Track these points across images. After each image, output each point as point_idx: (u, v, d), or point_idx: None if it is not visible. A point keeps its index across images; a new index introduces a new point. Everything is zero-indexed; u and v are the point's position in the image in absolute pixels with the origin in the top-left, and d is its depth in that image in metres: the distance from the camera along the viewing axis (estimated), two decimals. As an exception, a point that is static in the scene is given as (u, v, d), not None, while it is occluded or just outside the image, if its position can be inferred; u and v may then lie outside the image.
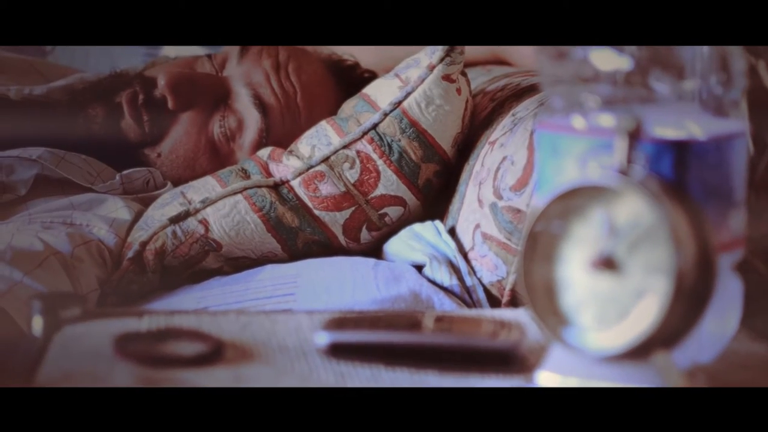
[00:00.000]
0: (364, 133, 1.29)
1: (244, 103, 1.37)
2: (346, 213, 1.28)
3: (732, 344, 0.77)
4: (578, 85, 0.75)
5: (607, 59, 0.74)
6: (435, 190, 1.33)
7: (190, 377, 0.74)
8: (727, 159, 0.74)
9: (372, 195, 1.29)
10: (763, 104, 0.89)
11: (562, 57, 0.75)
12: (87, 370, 0.75)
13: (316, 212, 1.28)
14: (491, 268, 1.20)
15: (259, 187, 1.28)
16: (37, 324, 0.81)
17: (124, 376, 0.73)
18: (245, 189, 1.28)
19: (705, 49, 0.74)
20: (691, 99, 0.74)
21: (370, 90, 1.36)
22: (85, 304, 0.84)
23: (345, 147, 1.29)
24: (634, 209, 0.70)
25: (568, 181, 0.72)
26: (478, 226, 1.23)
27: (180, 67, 1.42)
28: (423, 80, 1.30)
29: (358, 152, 1.29)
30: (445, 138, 1.31)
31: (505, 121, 1.28)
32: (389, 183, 1.29)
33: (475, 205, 1.25)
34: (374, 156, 1.29)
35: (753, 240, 0.77)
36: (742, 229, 0.75)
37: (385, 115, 1.30)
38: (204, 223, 1.27)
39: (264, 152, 1.35)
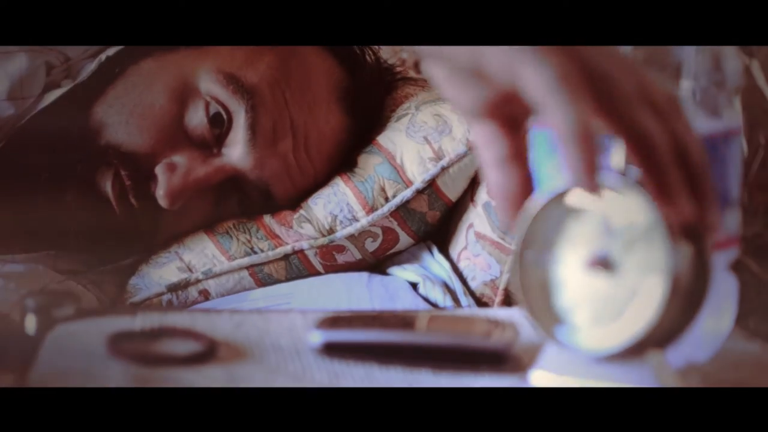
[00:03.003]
0: (392, 210, 1.24)
1: (254, 194, 1.24)
2: (353, 270, 1.26)
3: (726, 343, 0.77)
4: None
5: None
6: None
7: (184, 376, 0.74)
8: (722, 158, 0.74)
9: (383, 255, 1.26)
10: (756, 104, 0.89)
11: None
12: (80, 369, 0.74)
13: (323, 271, 1.26)
14: (484, 267, 1.20)
15: (268, 263, 1.24)
16: (31, 322, 0.81)
17: (118, 375, 0.73)
18: (252, 265, 1.24)
19: (699, 48, 0.74)
20: (686, 99, 0.74)
21: (389, 144, 1.27)
22: (78, 303, 0.83)
23: (372, 224, 1.24)
24: (630, 209, 0.70)
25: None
26: (471, 225, 1.23)
27: (165, 131, 1.21)
28: (461, 158, 1.24)
29: (382, 227, 1.25)
30: (459, 194, 1.27)
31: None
32: (403, 245, 1.26)
33: (468, 204, 1.25)
34: (397, 228, 1.25)
35: (746, 239, 0.77)
36: (737, 228, 0.76)
37: (418, 192, 1.24)
38: (204, 293, 1.23)
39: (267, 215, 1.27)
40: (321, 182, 1.27)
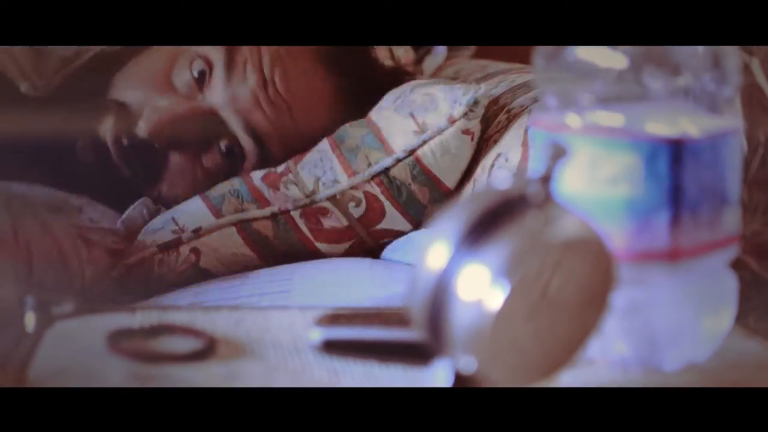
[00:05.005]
0: (374, 176, 1.27)
1: (238, 132, 1.32)
2: (347, 244, 1.27)
3: (726, 342, 0.77)
4: (572, 82, 0.75)
5: (602, 56, 0.74)
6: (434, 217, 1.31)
7: (183, 373, 0.74)
8: (722, 157, 0.74)
9: (374, 228, 1.27)
10: (756, 101, 0.89)
11: (556, 55, 0.75)
12: (79, 367, 0.75)
13: (317, 244, 1.26)
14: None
15: (256, 219, 1.26)
16: (30, 320, 0.81)
17: (117, 372, 0.73)
18: (240, 221, 1.26)
19: (699, 46, 0.74)
20: (685, 96, 0.74)
21: (379, 120, 1.31)
22: (78, 300, 0.84)
23: (353, 187, 1.26)
24: None
25: None
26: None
27: (156, 84, 1.34)
28: (442, 131, 1.26)
29: (365, 193, 1.26)
30: (454, 179, 1.29)
31: (500, 118, 1.28)
32: (393, 220, 1.27)
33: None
34: (382, 197, 1.26)
35: (746, 237, 0.77)
36: (737, 227, 0.76)
37: (398, 160, 1.26)
38: (195, 253, 1.24)
39: (256, 174, 1.30)
40: (306, 131, 1.32)
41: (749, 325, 0.82)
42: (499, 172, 1.20)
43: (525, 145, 1.19)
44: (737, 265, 0.76)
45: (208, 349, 0.77)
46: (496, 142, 1.25)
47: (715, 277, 0.76)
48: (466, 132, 1.26)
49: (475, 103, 1.26)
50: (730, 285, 0.76)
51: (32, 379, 0.72)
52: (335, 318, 0.81)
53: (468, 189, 1.27)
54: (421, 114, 1.28)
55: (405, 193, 1.26)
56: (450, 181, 1.27)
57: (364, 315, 0.85)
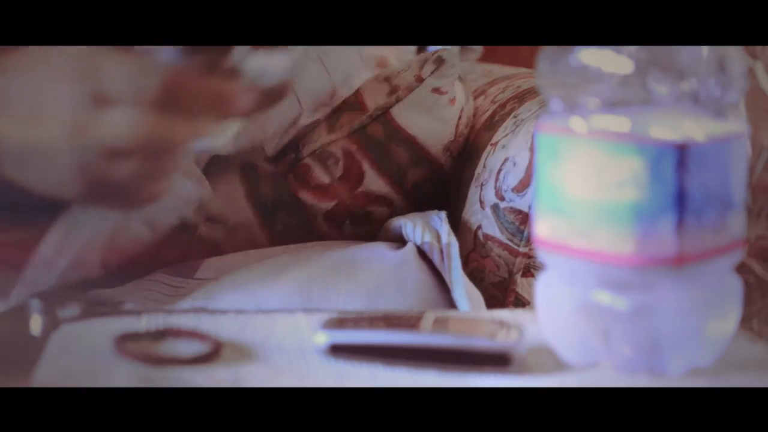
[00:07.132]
0: (350, 133, 1.31)
1: None
2: (329, 204, 1.30)
3: (730, 345, 0.77)
4: (577, 87, 0.75)
5: (607, 60, 0.74)
6: (426, 194, 1.33)
7: (189, 377, 0.74)
8: (727, 161, 0.74)
9: (356, 191, 1.30)
10: (759, 106, 0.89)
11: (561, 59, 0.75)
12: (84, 370, 0.75)
13: (301, 194, 1.29)
14: (493, 269, 1.20)
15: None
16: (36, 323, 0.81)
17: (122, 375, 0.73)
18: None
19: (704, 50, 0.74)
20: (690, 101, 0.74)
21: (364, 86, 1.36)
22: (83, 303, 0.84)
23: (330, 144, 1.30)
24: None
25: None
26: (480, 227, 1.23)
27: None
28: (411, 91, 1.32)
29: (343, 150, 1.30)
30: (435, 145, 1.31)
31: (507, 123, 1.29)
32: (373, 183, 1.30)
33: (476, 206, 1.25)
34: (358, 155, 1.30)
35: (749, 241, 0.77)
36: (743, 231, 0.76)
37: (371, 118, 1.31)
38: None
39: None
40: None
41: (753, 329, 0.82)
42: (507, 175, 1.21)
43: (533, 149, 1.19)
44: (741, 269, 0.76)
45: (214, 353, 0.78)
46: (504, 146, 1.25)
47: (720, 281, 0.76)
48: (436, 91, 1.30)
49: (440, 60, 1.30)
50: (734, 289, 0.76)
51: (38, 382, 0.72)
52: (341, 321, 0.81)
53: (472, 188, 1.27)
54: (395, 78, 1.33)
55: (380, 151, 1.30)
56: (430, 143, 1.31)
57: (370, 318, 0.85)
